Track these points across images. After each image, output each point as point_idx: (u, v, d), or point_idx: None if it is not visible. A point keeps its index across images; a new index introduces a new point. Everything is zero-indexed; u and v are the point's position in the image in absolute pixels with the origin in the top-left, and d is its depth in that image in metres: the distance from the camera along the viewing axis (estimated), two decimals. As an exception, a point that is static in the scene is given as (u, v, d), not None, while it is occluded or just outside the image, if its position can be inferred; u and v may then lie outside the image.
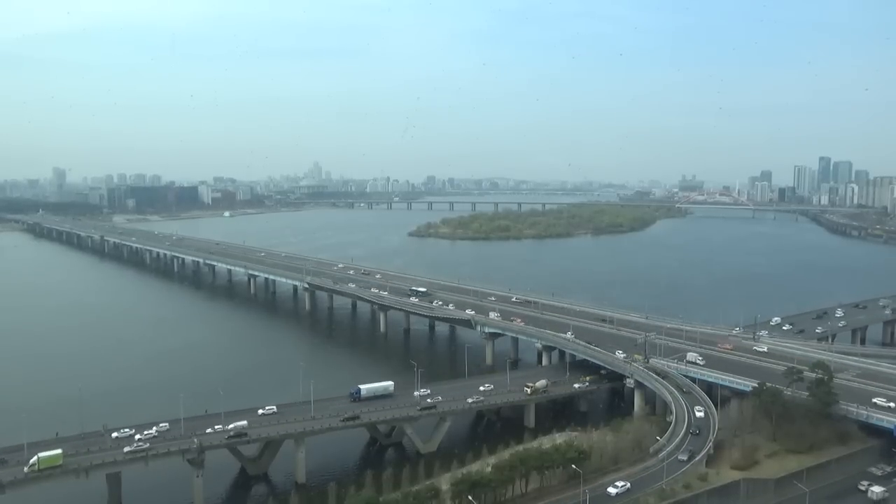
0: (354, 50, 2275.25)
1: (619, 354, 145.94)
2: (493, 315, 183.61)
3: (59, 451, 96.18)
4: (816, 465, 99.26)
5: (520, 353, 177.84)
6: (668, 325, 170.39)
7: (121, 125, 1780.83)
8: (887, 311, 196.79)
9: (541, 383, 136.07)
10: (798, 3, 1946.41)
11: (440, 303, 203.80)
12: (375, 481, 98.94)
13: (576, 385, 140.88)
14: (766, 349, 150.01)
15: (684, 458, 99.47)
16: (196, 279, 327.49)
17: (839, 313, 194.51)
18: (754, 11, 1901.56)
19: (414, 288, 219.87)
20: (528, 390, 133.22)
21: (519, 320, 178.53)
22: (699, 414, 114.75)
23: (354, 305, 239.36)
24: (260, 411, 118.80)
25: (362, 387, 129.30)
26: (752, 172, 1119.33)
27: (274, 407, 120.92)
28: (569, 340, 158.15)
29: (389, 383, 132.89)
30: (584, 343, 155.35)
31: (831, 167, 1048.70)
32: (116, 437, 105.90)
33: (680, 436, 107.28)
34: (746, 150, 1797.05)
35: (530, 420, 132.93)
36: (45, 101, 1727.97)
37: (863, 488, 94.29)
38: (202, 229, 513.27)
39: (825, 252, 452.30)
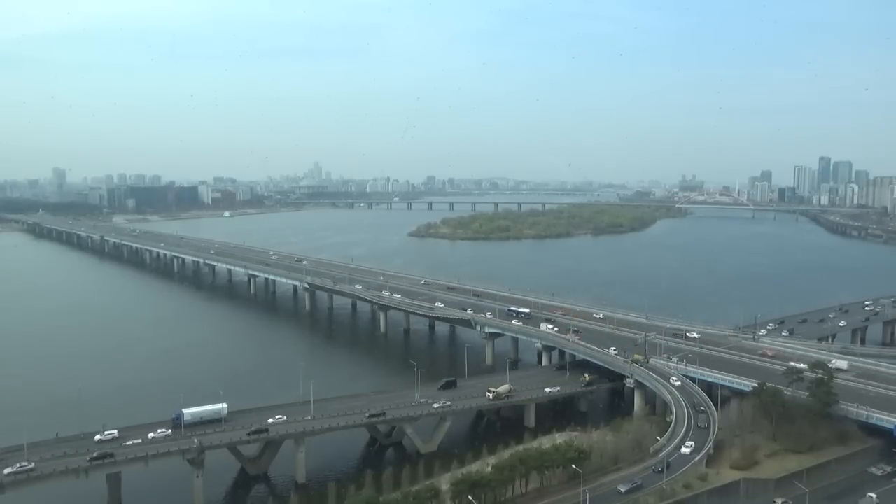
0: (355, 50, 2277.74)
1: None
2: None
3: None
4: (816, 465, 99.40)
5: (520, 353, 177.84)
6: (668, 325, 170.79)
7: (121, 125, 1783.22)
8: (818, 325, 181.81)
9: (503, 388, 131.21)
10: (798, 2, 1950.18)
11: (552, 327, 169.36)
12: (375, 481, 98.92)
13: (547, 389, 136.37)
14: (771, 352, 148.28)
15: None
16: (196, 279, 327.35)
17: (762, 333, 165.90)
18: (754, 11, 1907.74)
19: (514, 309, 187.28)
20: (490, 395, 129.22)
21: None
22: (685, 450, 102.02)
23: (354, 305, 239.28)
24: (97, 437, 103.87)
25: (186, 410, 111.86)
26: (752, 172, 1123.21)
27: (115, 431, 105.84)
28: (568, 340, 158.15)
29: (221, 406, 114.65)
30: (583, 343, 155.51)
31: (831, 167, 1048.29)
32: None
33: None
34: (746, 150, 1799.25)
35: (530, 420, 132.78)
36: (45, 101, 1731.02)
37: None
38: (203, 229, 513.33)
39: (825, 252, 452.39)
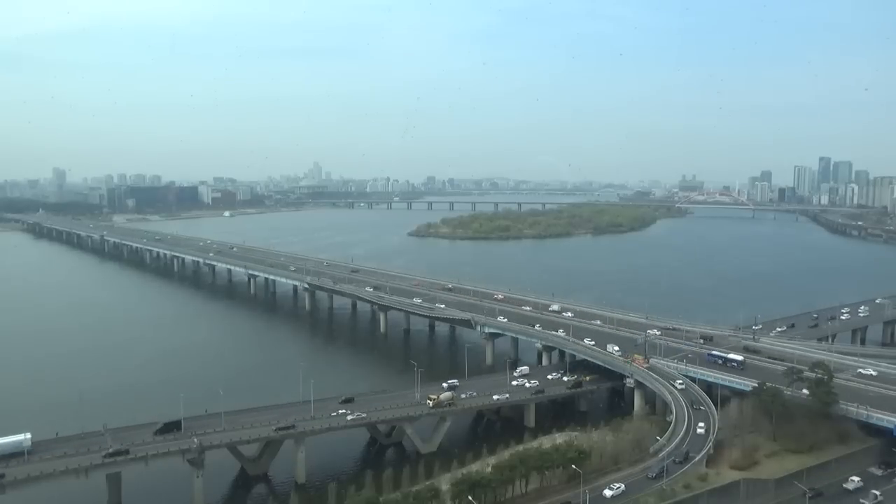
0: (355, 50, 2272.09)
1: (614, 349, 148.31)
2: None
3: None
4: (816, 465, 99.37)
5: (520, 353, 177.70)
6: (667, 325, 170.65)
7: (121, 125, 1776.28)
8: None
9: (445, 395, 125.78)
10: (798, 2, 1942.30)
11: (618, 349, 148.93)
12: (375, 481, 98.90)
13: (495, 396, 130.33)
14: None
15: None
16: (196, 279, 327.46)
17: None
18: (755, 11, 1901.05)
19: (717, 353, 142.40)
20: (430, 402, 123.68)
21: None
22: (607, 493, 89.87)
23: (354, 305, 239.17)
24: None
25: None
26: (752, 172, 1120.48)
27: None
28: (569, 340, 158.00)
29: (22, 437, 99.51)
30: (584, 343, 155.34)
31: (831, 167, 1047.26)
32: None
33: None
34: (746, 150, 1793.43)
35: (530, 420, 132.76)
36: (45, 101, 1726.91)
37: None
38: (203, 229, 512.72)
39: (825, 252, 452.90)
